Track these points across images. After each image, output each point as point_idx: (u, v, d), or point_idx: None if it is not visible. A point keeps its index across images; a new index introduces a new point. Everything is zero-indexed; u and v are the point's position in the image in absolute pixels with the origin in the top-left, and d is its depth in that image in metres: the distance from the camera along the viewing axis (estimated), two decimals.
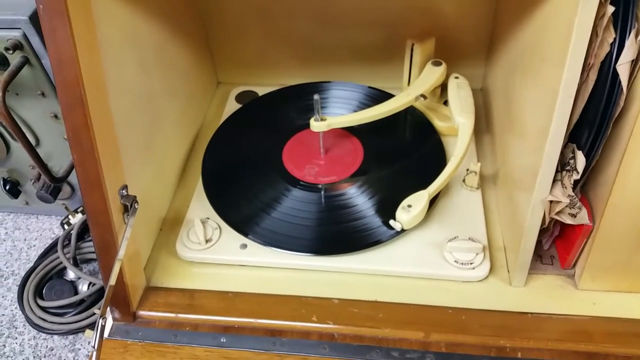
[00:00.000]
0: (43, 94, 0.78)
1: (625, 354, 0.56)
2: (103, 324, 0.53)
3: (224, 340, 0.59)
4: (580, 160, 0.54)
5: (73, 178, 0.86)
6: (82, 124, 0.52)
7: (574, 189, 0.55)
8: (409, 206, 0.65)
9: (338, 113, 0.81)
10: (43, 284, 0.83)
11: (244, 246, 0.67)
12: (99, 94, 0.54)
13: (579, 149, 0.54)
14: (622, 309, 0.59)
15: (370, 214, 0.68)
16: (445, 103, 0.79)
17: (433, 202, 0.68)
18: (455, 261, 0.63)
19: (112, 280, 0.56)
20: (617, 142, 0.52)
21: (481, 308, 0.60)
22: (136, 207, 0.60)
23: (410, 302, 0.61)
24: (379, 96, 0.83)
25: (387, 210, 0.67)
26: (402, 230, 0.65)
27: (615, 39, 0.48)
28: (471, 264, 0.62)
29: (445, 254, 0.64)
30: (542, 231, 0.59)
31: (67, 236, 0.83)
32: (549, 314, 0.59)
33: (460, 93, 0.75)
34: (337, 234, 0.67)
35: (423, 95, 0.75)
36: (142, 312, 0.62)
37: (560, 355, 0.56)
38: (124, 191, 0.59)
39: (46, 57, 0.74)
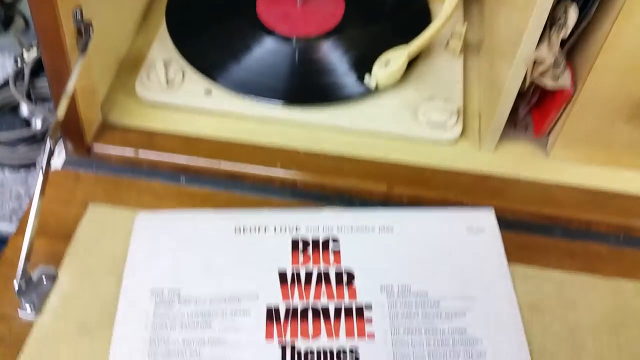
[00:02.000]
0: None
1: (587, 220, 0.56)
2: (52, 146, 0.50)
3: (184, 180, 0.57)
4: (573, 13, 0.50)
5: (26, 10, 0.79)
6: None
7: (561, 48, 0.53)
8: (387, 62, 0.62)
9: None
10: None
11: (209, 92, 0.63)
12: None
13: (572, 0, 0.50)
14: (590, 180, 0.59)
15: (346, 70, 0.65)
16: None
17: (412, 64, 0.64)
18: (427, 121, 0.61)
19: (63, 108, 0.52)
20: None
21: (448, 168, 0.59)
22: (91, 33, 0.55)
23: (378, 158, 0.60)
24: None
25: (363, 67, 0.63)
26: (377, 88, 0.62)
27: None
28: (443, 125, 0.60)
29: (419, 113, 0.61)
30: (520, 98, 0.57)
31: (21, 72, 0.78)
32: (517, 178, 0.59)
33: None
34: (309, 85, 0.64)
35: None
36: (97, 147, 0.59)
37: (523, 215, 0.56)
38: (78, 13, 0.53)
39: None
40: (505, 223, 0.54)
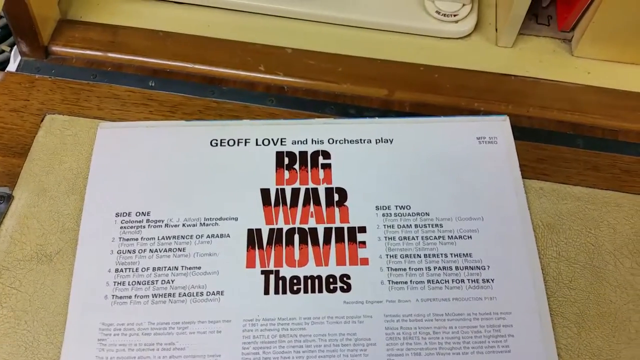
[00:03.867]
0: None
1: (612, 127, 0.49)
2: None
3: (153, 84, 0.50)
4: None
5: None
6: None
7: None
8: None
9: None
10: None
11: None
12: None
13: None
14: (619, 80, 0.51)
15: None
16: None
17: None
18: (436, 12, 0.52)
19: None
20: None
21: (459, 67, 0.51)
22: None
23: (377, 57, 0.52)
24: None
25: None
26: None
27: None
28: (455, 15, 0.52)
29: (426, 2, 0.52)
30: None
31: None
32: (536, 78, 0.51)
33: None
34: None
35: None
36: (55, 48, 0.51)
37: (542, 123, 0.49)
38: None
39: None
40: (522, 132, 0.48)
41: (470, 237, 0.42)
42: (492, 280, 0.40)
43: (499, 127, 0.47)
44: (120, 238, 0.41)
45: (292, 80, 0.50)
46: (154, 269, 0.40)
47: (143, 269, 0.40)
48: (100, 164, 0.44)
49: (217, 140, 0.45)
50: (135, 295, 0.40)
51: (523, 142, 0.47)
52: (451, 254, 0.41)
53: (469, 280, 0.40)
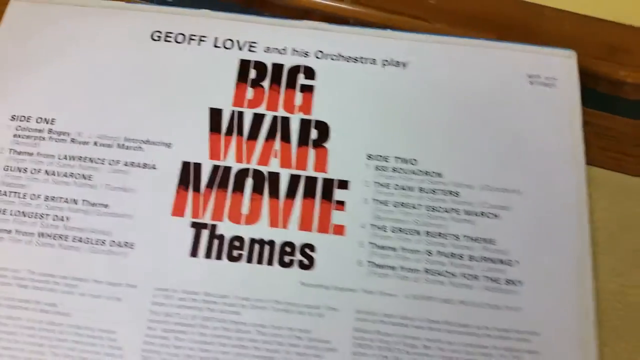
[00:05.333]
0: None
1: None
2: None
3: None
4: None
5: None
6: None
7: None
8: None
9: None
10: None
11: None
12: None
13: None
14: None
15: None
16: None
17: None
18: None
19: None
20: None
21: None
22: None
23: None
24: None
25: None
26: None
27: None
28: None
29: None
30: None
31: None
32: None
33: None
34: None
35: None
36: None
37: None
38: None
39: None
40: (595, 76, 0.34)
41: (498, 215, 0.29)
42: (520, 283, 0.28)
43: (561, 65, 0.33)
44: (10, 150, 0.30)
45: None
46: (46, 197, 0.29)
47: (32, 196, 0.29)
48: (5, 49, 0.33)
49: (161, 32, 0.33)
50: (15, 230, 0.28)
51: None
52: (465, 237, 0.29)
53: (485, 277, 0.28)
